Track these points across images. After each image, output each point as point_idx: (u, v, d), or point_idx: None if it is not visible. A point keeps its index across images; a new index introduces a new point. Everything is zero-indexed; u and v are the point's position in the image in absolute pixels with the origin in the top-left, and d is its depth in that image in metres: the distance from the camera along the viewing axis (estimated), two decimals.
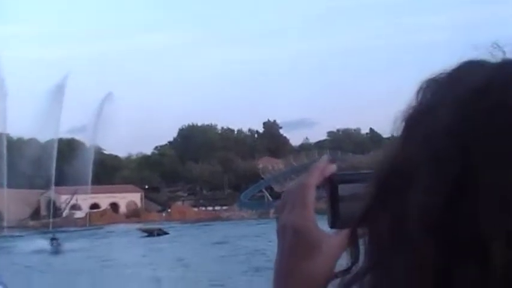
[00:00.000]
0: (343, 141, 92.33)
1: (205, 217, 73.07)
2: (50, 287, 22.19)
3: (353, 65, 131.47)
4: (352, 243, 0.66)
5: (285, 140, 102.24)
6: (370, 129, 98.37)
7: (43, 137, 74.80)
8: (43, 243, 40.39)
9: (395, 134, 0.61)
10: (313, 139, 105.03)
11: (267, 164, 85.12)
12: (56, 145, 69.84)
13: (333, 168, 0.81)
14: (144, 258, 32.32)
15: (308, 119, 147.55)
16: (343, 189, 0.77)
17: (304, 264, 0.78)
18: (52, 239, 40.82)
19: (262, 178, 77.25)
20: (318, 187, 0.80)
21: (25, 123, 70.56)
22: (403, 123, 0.61)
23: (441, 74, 0.62)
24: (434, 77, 0.62)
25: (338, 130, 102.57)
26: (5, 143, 65.46)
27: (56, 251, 38.43)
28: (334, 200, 0.78)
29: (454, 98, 0.57)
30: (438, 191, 0.54)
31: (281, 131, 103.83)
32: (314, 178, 0.80)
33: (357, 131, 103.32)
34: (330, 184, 0.80)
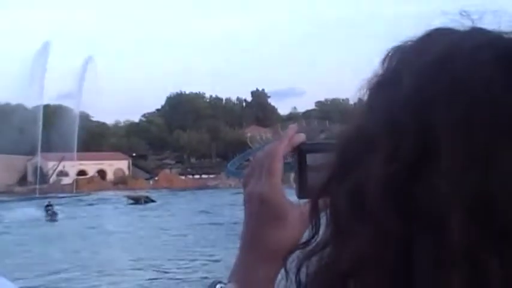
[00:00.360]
0: (331, 111, 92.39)
1: (193, 185, 73.31)
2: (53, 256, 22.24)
3: (342, 34, 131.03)
4: (313, 214, 0.64)
5: (273, 109, 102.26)
6: (359, 99, 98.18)
7: (29, 102, 74.52)
8: (36, 211, 39.32)
9: (359, 102, 0.60)
10: (301, 108, 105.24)
11: (254, 133, 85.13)
12: (41, 111, 69.63)
13: (301, 137, 0.79)
14: (131, 226, 32.54)
15: (296, 89, 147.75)
16: (312, 159, 0.75)
17: (270, 234, 0.77)
18: (47, 206, 39.47)
19: (250, 147, 76.92)
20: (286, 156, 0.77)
21: (11, 88, 69.75)
22: (367, 92, 0.60)
23: (408, 41, 0.60)
24: (400, 45, 0.60)
25: (326, 100, 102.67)
26: None
27: (51, 219, 37.32)
28: (302, 169, 0.76)
29: (416, 68, 0.56)
30: (397, 162, 0.53)
31: (269, 100, 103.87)
32: (282, 147, 0.78)
33: (345, 101, 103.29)
34: (299, 153, 0.77)
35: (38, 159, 71.84)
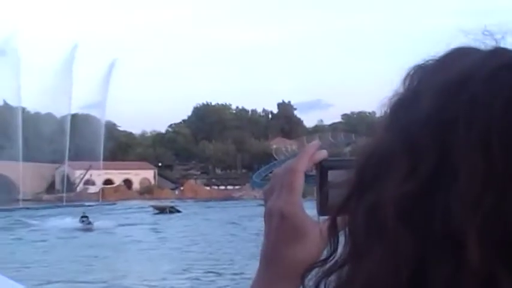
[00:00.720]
0: (357, 125, 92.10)
1: (217, 196, 73.52)
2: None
3: (371, 46, 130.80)
4: (332, 232, 0.64)
5: (299, 121, 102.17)
6: (380, 117, 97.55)
7: (58, 112, 75.48)
8: (72, 221, 39.22)
9: (380, 121, 0.60)
10: (327, 121, 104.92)
11: (280, 145, 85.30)
12: (69, 120, 70.48)
13: (323, 154, 0.79)
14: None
15: (323, 101, 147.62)
16: (333, 176, 0.75)
17: (289, 251, 0.77)
18: (82, 217, 39.17)
19: (275, 159, 77.39)
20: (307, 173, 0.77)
21: (40, 98, 70.71)
22: (388, 110, 0.60)
23: (429, 60, 0.60)
24: (421, 64, 0.60)
25: (352, 113, 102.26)
26: (20, 116, 66.10)
27: (87, 228, 37.13)
28: (323, 186, 0.76)
29: (436, 87, 0.56)
30: (414, 181, 0.53)
31: (295, 112, 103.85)
32: (303, 163, 0.78)
33: (372, 114, 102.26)
34: (320, 170, 0.77)
35: (65, 167, 72.63)
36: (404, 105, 0.58)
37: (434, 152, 0.53)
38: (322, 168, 0.77)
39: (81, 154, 69.91)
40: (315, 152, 0.79)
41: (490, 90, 0.53)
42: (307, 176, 0.78)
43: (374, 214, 0.55)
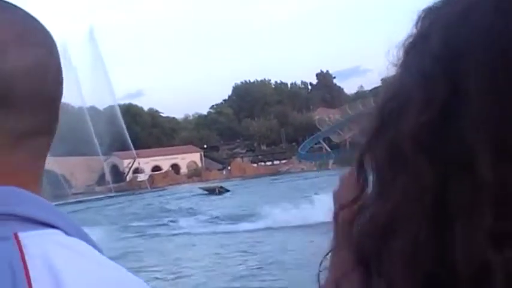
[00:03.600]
0: None
1: (265, 172, 73.76)
2: None
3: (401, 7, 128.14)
4: (360, 171, 0.66)
5: (340, 90, 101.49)
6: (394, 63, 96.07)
7: (101, 104, 76.68)
8: None
9: (395, 64, 0.63)
10: (367, 87, 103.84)
11: (323, 115, 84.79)
12: (114, 111, 71.51)
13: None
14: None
15: (361, 67, 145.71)
16: None
17: None
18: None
19: (319, 129, 77.08)
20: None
21: (81, 93, 71.74)
22: (402, 52, 0.62)
23: (438, 1, 0.62)
24: (431, 5, 0.62)
25: None
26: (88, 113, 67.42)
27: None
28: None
29: (443, 20, 0.59)
30: (428, 113, 0.55)
31: (334, 81, 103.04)
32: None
33: None
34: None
35: (115, 158, 73.90)
36: (416, 44, 0.61)
37: (446, 82, 0.55)
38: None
39: (127, 144, 70.91)
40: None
41: (492, 18, 0.55)
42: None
43: (395, 147, 0.57)
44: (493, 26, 0.55)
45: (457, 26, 0.57)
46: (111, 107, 73.72)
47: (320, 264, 0.66)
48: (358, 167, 0.66)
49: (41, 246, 0.69)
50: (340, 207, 0.70)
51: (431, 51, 0.57)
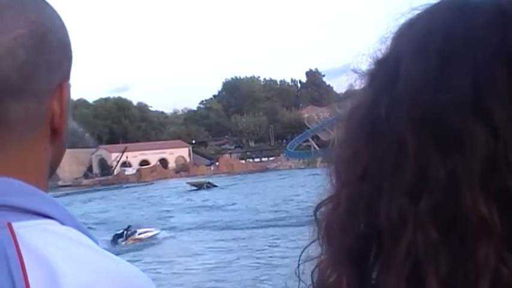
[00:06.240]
0: None
1: (253, 169, 73.89)
2: None
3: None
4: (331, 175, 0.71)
5: (329, 88, 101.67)
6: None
7: (90, 97, 76.47)
8: None
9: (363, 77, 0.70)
10: (357, 86, 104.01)
11: (312, 113, 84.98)
12: (103, 104, 71.34)
13: None
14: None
15: (351, 65, 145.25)
16: None
17: None
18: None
19: (308, 127, 77.21)
20: None
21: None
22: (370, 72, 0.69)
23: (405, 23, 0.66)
24: (400, 27, 0.66)
25: None
26: None
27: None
28: None
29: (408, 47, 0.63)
30: (421, 76, 0.59)
31: (324, 79, 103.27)
32: None
33: None
34: None
35: (102, 151, 73.69)
36: (407, 25, 0.65)
37: (436, 50, 0.60)
38: None
39: (115, 137, 70.77)
40: None
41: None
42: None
43: (386, 114, 0.61)
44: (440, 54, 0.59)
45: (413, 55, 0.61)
46: (100, 100, 73.51)
47: (299, 258, 0.69)
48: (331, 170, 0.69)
49: (35, 235, 0.69)
50: (317, 205, 0.73)
51: (423, 26, 0.63)
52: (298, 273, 0.69)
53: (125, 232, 25.12)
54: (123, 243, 23.88)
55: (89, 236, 0.73)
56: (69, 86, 0.82)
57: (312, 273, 0.68)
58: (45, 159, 0.81)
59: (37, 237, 0.69)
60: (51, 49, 0.78)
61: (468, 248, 0.54)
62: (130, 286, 0.70)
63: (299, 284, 0.68)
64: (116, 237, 24.51)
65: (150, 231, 25.86)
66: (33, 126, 0.78)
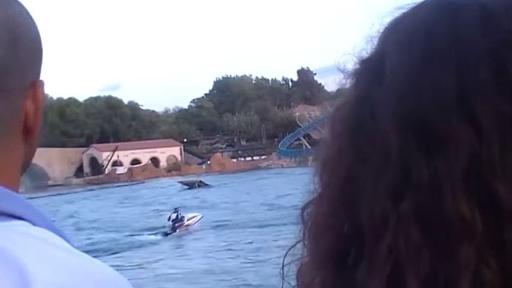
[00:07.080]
0: None
1: (245, 167, 73.77)
2: None
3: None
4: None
5: (320, 87, 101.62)
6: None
7: (81, 96, 76.13)
8: None
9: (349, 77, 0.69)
10: (349, 84, 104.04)
11: (303, 112, 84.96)
12: (94, 103, 71.00)
13: None
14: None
15: (342, 64, 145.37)
16: None
17: None
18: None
19: (300, 126, 77.17)
20: None
21: (61, 83, 71.15)
22: (356, 72, 0.68)
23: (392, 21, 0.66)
24: (386, 26, 0.66)
25: None
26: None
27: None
28: None
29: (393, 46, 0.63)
30: (405, 77, 0.60)
31: (315, 78, 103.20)
32: None
33: None
34: None
35: (93, 150, 73.29)
36: (395, 23, 0.65)
37: (420, 45, 0.61)
38: None
39: (106, 136, 70.50)
40: None
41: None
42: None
43: (371, 117, 0.61)
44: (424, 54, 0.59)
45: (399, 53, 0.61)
46: (90, 99, 73.16)
47: (284, 258, 0.69)
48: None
49: (5, 237, 0.67)
50: (304, 205, 0.73)
51: (406, 25, 0.63)
52: (283, 273, 0.69)
53: (178, 216, 26.28)
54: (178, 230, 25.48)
55: (63, 236, 0.71)
56: (42, 84, 0.80)
57: (296, 273, 0.68)
58: (17, 159, 0.79)
59: (7, 238, 0.67)
60: (24, 46, 0.75)
61: (449, 249, 0.55)
62: (106, 287, 0.69)
63: (282, 284, 0.68)
64: (174, 222, 25.91)
65: (196, 216, 27.43)
66: (5, 125, 0.76)
